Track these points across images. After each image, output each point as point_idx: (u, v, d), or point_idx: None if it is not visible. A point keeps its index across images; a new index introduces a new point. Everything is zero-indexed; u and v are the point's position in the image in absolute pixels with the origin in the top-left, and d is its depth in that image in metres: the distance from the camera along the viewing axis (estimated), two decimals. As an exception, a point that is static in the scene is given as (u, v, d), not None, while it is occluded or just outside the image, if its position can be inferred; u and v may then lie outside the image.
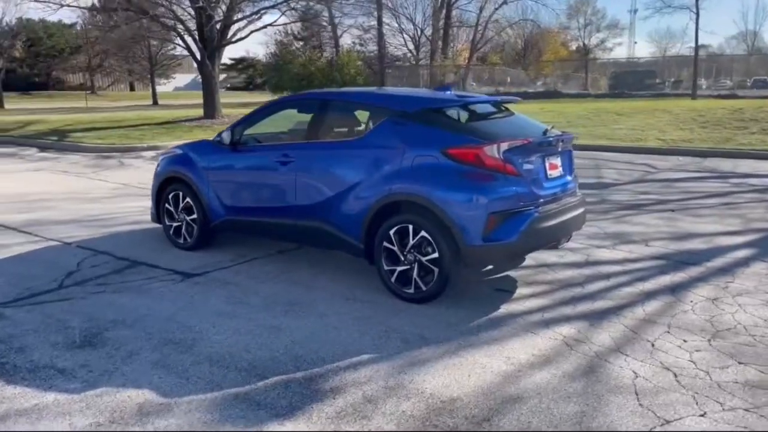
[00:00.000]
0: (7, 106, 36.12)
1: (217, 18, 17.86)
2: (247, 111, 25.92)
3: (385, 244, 4.58)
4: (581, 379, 3.40)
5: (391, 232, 4.53)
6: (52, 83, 53.82)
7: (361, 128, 5.27)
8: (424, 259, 4.42)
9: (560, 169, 4.77)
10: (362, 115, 5.41)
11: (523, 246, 4.37)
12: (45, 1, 17.85)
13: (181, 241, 6.00)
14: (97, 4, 25.73)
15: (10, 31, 42.74)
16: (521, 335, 3.98)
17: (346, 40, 44.74)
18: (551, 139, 4.67)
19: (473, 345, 3.83)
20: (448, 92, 5.04)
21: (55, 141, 16.18)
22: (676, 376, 3.42)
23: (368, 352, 3.74)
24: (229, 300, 4.65)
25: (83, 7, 18.23)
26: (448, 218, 4.26)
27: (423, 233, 4.38)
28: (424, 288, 4.45)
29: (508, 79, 44.62)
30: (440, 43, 41.56)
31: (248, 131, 5.63)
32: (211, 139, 5.99)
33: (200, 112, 20.48)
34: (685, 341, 3.87)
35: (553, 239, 4.65)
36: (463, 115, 4.87)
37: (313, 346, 3.81)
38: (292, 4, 22.68)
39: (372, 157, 4.67)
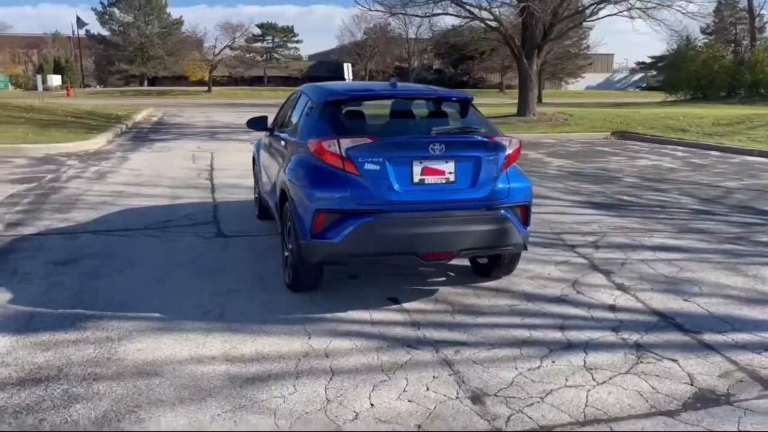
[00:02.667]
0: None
1: (543, 16, 17.84)
2: (567, 111, 24.47)
3: (282, 229, 4.75)
4: (230, 389, 3.19)
5: (285, 219, 4.68)
6: (473, 82, 60.62)
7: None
8: (289, 248, 4.47)
9: (450, 176, 4.07)
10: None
11: (351, 250, 3.99)
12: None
13: (256, 211, 7.04)
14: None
15: (428, 39, 49.95)
16: (296, 338, 3.77)
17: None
18: (428, 141, 4.04)
19: (236, 331, 3.84)
20: (389, 85, 4.75)
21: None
22: (328, 419, 2.94)
23: (166, 315, 4.11)
24: (193, 256, 5.47)
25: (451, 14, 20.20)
26: (293, 210, 4.24)
27: (289, 223, 4.44)
28: (292, 277, 4.50)
29: None
30: None
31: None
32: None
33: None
34: (409, 402, 3.10)
35: (403, 249, 4.02)
36: (376, 110, 4.58)
37: (148, 300, 4.38)
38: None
39: (290, 146, 4.85)
